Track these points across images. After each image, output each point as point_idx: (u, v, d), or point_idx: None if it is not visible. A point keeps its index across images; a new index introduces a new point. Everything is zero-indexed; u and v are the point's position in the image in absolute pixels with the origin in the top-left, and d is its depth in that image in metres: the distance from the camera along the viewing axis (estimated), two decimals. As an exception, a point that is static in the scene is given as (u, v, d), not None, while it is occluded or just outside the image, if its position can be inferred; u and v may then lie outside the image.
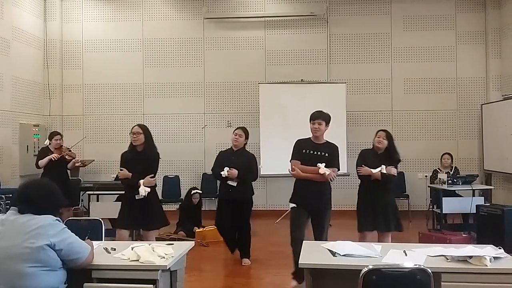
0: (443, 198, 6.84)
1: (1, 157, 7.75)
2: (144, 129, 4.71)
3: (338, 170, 4.63)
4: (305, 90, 8.57)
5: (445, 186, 6.86)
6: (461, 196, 7.15)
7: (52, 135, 6.87)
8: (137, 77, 9.25)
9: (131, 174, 4.61)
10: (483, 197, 7.21)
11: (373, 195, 4.74)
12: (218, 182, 6.13)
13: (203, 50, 9.21)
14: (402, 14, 8.99)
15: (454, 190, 6.99)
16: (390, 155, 4.82)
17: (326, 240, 4.42)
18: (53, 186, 2.68)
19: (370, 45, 9.01)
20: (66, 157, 6.78)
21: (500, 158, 8.10)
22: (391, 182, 4.81)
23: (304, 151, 4.55)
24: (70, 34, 9.30)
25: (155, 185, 4.79)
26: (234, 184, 5.45)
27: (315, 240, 4.40)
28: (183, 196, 7.95)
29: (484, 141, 8.60)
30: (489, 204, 6.65)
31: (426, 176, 8.16)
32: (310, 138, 4.63)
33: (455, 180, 6.90)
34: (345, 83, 8.63)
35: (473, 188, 7.00)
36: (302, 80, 8.74)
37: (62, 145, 6.87)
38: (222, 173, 5.40)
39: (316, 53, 9.06)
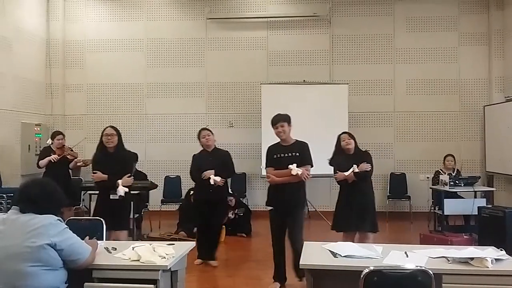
0: (444, 199, 6.84)
1: (2, 156, 7.76)
2: (117, 131, 4.77)
3: (312, 166, 4.64)
4: (307, 91, 8.56)
5: (447, 188, 6.86)
6: (463, 197, 7.13)
7: (54, 135, 6.88)
8: (139, 77, 9.25)
9: (106, 176, 4.64)
10: (485, 199, 7.19)
11: (349, 196, 4.82)
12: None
13: (206, 51, 9.21)
14: (405, 15, 8.98)
15: (456, 192, 6.98)
16: (360, 153, 4.95)
17: (302, 240, 4.37)
18: (54, 185, 2.69)
19: (372, 46, 9.00)
20: (68, 156, 6.79)
21: (502, 160, 8.08)
22: (367, 177, 4.87)
23: (275, 156, 4.63)
24: (73, 34, 9.31)
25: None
26: (222, 184, 5.53)
27: (290, 241, 4.54)
28: (184, 196, 7.95)
29: (487, 143, 8.58)
30: (491, 206, 6.62)
31: (427, 177, 8.15)
32: (279, 142, 4.71)
33: (457, 181, 6.89)
34: (348, 84, 8.61)
35: (475, 190, 6.98)
36: (304, 80, 8.73)
37: (64, 145, 6.88)
38: (211, 181, 5.42)
39: (318, 54, 9.05)
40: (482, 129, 8.75)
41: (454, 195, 7.02)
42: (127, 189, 4.64)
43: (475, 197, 6.96)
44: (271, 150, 4.73)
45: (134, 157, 5.90)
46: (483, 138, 8.70)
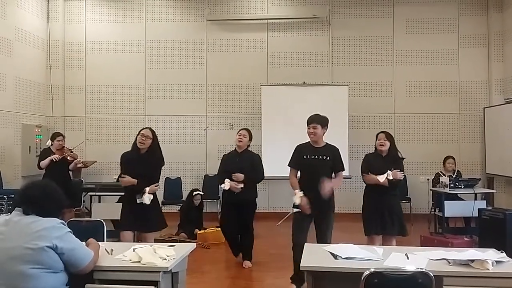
0: (445, 201, 6.83)
1: (3, 158, 7.77)
2: (154, 134, 4.69)
3: (343, 170, 4.63)
4: (307, 92, 8.57)
5: (447, 190, 6.85)
6: (463, 199, 7.13)
7: (54, 136, 6.87)
8: (139, 79, 9.26)
9: (136, 180, 4.56)
10: (485, 201, 7.19)
11: (379, 199, 4.71)
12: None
13: (206, 52, 9.22)
14: (405, 17, 8.99)
15: (456, 194, 6.97)
16: (394, 157, 4.79)
17: (330, 243, 4.41)
18: (54, 186, 2.68)
19: (372, 48, 9.01)
20: (68, 158, 6.78)
21: (502, 162, 8.08)
22: (398, 186, 4.80)
23: (304, 156, 4.55)
24: (73, 35, 9.32)
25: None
26: (237, 190, 5.41)
27: (320, 243, 4.39)
28: (184, 197, 7.95)
29: (487, 145, 8.59)
30: (491, 208, 6.62)
31: (428, 179, 8.15)
32: (309, 142, 4.63)
33: (457, 183, 6.89)
34: (347, 85, 8.62)
35: (475, 192, 6.98)
36: (304, 82, 8.74)
37: (64, 146, 6.88)
38: (222, 186, 5.36)
39: (318, 56, 9.06)
40: (482, 131, 8.76)
41: (455, 197, 7.02)
42: (152, 196, 4.58)
43: (476, 199, 6.97)
44: (300, 149, 4.63)
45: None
46: (483, 140, 8.70)
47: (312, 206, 4.46)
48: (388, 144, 4.75)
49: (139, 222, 4.58)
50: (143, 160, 4.62)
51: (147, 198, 4.52)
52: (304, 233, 4.50)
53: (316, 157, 4.51)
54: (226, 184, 5.36)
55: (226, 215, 5.64)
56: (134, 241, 5.25)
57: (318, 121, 4.56)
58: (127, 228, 4.63)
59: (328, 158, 4.52)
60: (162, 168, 4.85)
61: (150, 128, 4.73)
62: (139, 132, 4.66)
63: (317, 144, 4.58)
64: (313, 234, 4.57)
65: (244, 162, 5.47)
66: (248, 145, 5.63)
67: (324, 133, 4.59)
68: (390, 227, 4.66)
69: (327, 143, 4.64)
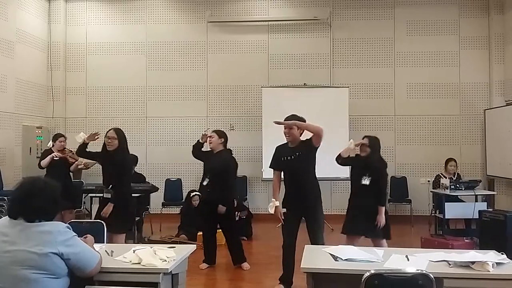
0: (445, 203, 6.83)
1: (4, 159, 7.77)
2: (119, 134, 4.92)
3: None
4: (308, 94, 8.57)
5: (447, 191, 6.85)
6: (463, 201, 7.13)
7: (56, 137, 6.87)
8: (140, 80, 9.27)
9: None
10: (485, 203, 7.20)
11: (363, 202, 4.83)
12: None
13: (206, 54, 9.23)
14: (406, 19, 9.00)
15: (457, 195, 6.97)
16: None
17: (323, 240, 4.40)
18: (44, 181, 2.55)
19: (373, 50, 9.01)
20: (70, 159, 6.78)
21: (503, 164, 8.07)
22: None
23: (283, 158, 4.62)
24: (74, 37, 9.34)
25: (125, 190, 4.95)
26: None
27: (311, 242, 4.41)
28: (184, 199, 7.95)
29: (487, 147, 8.58)
30: (491, 210, 6.63)
31: (428, 181, 8.14)
32: (287, 143, 4.68)
33: (457, 185, 6.89)
34: (348, 87, 8.63)
35: (476, 194, 6.98)
36: (305, 84, 8.74)
37: (65, 147, 6.88)
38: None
39: (319, 57, 9.07)
40: (482, 132, 8.76)
41: (455, 199, 7.02)
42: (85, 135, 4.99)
43: (476, 200, 6.97)
44: (279, 150, 4.73)
45: (134, 159, 5.94)
46: (484, 141, 8.70)
47: (297, 205, 4.52)
48: (368, 150, 4.96)
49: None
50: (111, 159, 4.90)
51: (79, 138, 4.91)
52: (292, 234, 4.54)
53: (293, 156, 4.56)
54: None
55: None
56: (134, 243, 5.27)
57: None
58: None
59: (300, 152, 4.54)
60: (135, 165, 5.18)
61: (114, 129, 5.00)
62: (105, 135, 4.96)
63: (293, 144, 4.61)
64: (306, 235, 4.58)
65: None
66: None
67: (301, 133, 4.60)
68: (372, 229, 4.80)
69: (302, 140, 4.63)
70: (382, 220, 4.76)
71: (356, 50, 9.04)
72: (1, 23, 7.76)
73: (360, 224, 4.79)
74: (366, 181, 4.84)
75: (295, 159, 4.54)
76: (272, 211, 4.45)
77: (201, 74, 9.21)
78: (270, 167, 4.74)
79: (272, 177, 8.00)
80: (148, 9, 9.31)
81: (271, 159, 4.79)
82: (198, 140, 5.72)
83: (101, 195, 6.94)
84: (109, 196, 4.80)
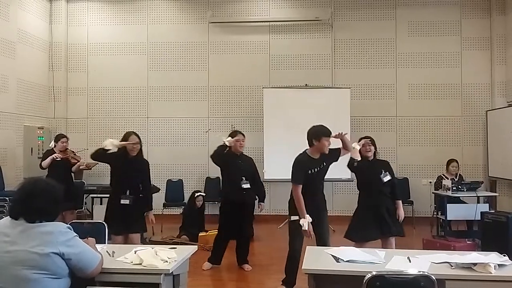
0: (447, 204, 6.81)
1: (5, 159, 7.78)
2: (140, 138, 4.95)
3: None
4: (309, 95, 8.57)
5: (449, 193, 6.84)
6: (465, 202, 7.11)
7: (58, 137, 6.87)
8: (141, 81, 9.27)
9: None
10: (487, 204, 7.18)
11: (380, 201, 4.78)
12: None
13: (208, 54, 9.23)
14: (407, 20, 8.99)
15: (459, 197, 6.96)
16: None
17: (329, 242, 4.44)
18: (45, 181, 2.58)
19: (374, 51, 9.01)
20: (71, 160, 6.78)
21: (505, 165, 8.06)
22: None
23: (310, 171, 4.39)
24: (76, 37, 9.34)
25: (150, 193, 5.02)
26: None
27: (319, 243, 4.39)
28: (186, 200, 7.95)
29: (489, 148, 8.57)
30: (493, 211, 6.61)
31: (430, 182, 8.12)
32: (306, 153, 4.45)
33: (459, 186, 6.87)
34: (350, 88, 8.62)
35: (478, 195, 6.97)
36: (306, 84, 8.74)
37: (67, 148, 6.88)
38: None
39: (320, 58, 9.06)
40: (484, 134, 8.74)
41: (457, 200, 7.00)
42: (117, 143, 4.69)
43: (478, 202, 6.96)
44: (303, 164, 4.39)
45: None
46: (486, 143, 8.68)
47: (312, 212, 4.39)
48: (373, 149, 4.99)
49: (126, 223, 4.67)
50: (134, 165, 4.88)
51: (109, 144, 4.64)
52: (301, 241, 4.50)
53: (319, 168, 4.46)
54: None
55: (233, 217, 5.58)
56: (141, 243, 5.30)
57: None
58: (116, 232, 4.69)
59: (325, 163, 4.49)
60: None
61: (134, 133, 4.95)
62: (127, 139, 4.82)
63: (317, 155, 4.44)
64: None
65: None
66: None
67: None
68: (385, 228, 4.79)
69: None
70: (403, 213, 4.83)
71: (357, 51, 9.03)
72: (2, 24, 7.77)
73: (374, 230, 4.73)
74: (387, 177, 4.81)
75: (321, 170, 4.48)
76: (306, 227, 4.25)
77: (203, 74, 9.21)
78: (297, 183, 4.32)
79: (273, 178, 8.08)
80: (149, 9, 9.31)
81: (294, 173, 4.38)
82: (223, 145, 5.43)
83: (102, 195, 7.03)
84: (128, 202, 4.69)
